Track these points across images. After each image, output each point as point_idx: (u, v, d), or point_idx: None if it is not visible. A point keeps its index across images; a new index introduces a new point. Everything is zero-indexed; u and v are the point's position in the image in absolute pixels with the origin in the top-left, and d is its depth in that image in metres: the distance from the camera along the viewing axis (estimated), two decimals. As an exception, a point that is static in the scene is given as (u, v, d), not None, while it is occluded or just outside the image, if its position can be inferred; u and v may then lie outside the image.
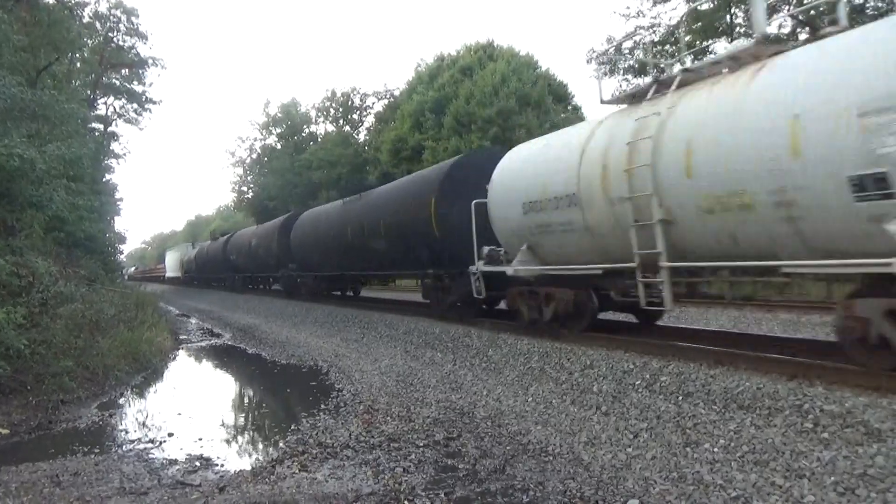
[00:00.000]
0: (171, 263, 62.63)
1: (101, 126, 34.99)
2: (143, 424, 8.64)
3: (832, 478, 4.24)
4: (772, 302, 12.77)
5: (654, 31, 27.01)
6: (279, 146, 57.99)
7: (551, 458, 6.05)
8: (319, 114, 57.78)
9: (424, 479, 5.72)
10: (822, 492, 4.19)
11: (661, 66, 9.80)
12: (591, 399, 6.85)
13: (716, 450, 5.08)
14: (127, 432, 8.23)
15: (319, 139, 55.21)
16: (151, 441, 7.69)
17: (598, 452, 5.86)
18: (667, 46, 27.52)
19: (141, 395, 11.06)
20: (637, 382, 6.64)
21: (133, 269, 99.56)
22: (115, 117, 37.88)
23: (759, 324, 11.11)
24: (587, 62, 28.72)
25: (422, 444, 6.76)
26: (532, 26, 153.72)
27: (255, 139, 60.49)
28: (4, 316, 8.79)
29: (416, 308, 15.05)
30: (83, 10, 27.04)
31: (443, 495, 5.30)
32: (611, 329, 8.96)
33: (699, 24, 25.88)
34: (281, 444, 7.34)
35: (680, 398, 6.00)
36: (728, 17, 25.34)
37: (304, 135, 57.48)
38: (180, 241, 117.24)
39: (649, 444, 5.59)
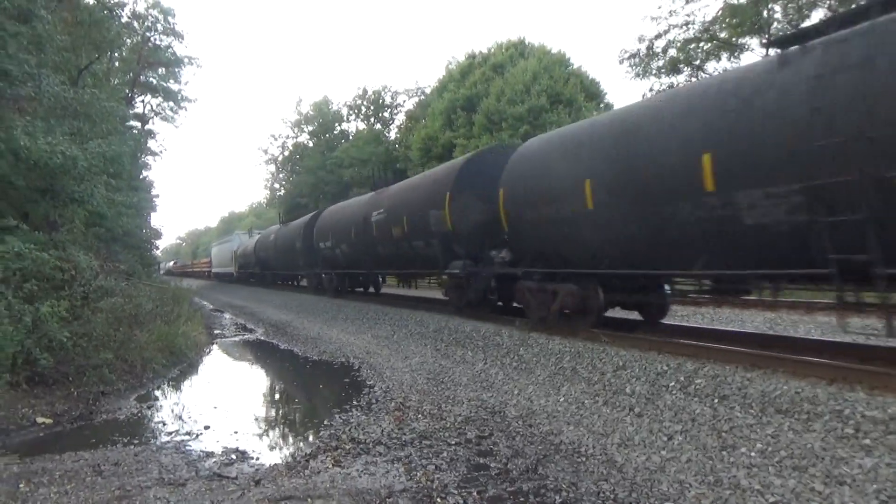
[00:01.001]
0: (220, 257, 53.21)
1: (138, 124, 35.71)
2: (180, 417, 8.82)
3: (874, 485, 4.16)
4: (810, 303, 12.50)
5: (687, 29, 26.67)
6: (311, 144, 58.69)
7: (584, 458, 6.02)
8: (351, 112, 58.37)
9: (456, 477, 5.75)
10: (864, 499, 4.11)
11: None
12: (624, 400, 6.80)
13: (753, 454, 5.00)
14: (165, 424, 8.41)
15: (350, 137, 55.63)
16: (188, 433, 7.85)
17: (631, 454, 5.82)
18: (701, 44, 27.14)
19: (177, 387, 11.29)
20: (671, 384, 6.58)
21: (171, 263, 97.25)
22: (152, 115, 38.66)
23: (795, 326, 10.89)
24: (619, 62, 28.44)
25: (453, 443, 6.79)
26: (564, 23, 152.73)
27: (288, 137, 61.45)
28: (49, 309, 9.05)
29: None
30: (122, 9, 27.59)
31: (475, 494, 5.32)
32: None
33: (735, 19, 25.45)
34: (314, 439, 7.42)
35: (715, 401, 5.93)
36: (765, 12, 24.87)
37: (335, 133, 58.04)
38: (214, 237, 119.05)
39: (684, 447, 5.53)
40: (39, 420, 8.25)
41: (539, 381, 8.32)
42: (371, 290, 23.03)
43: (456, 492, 5.36)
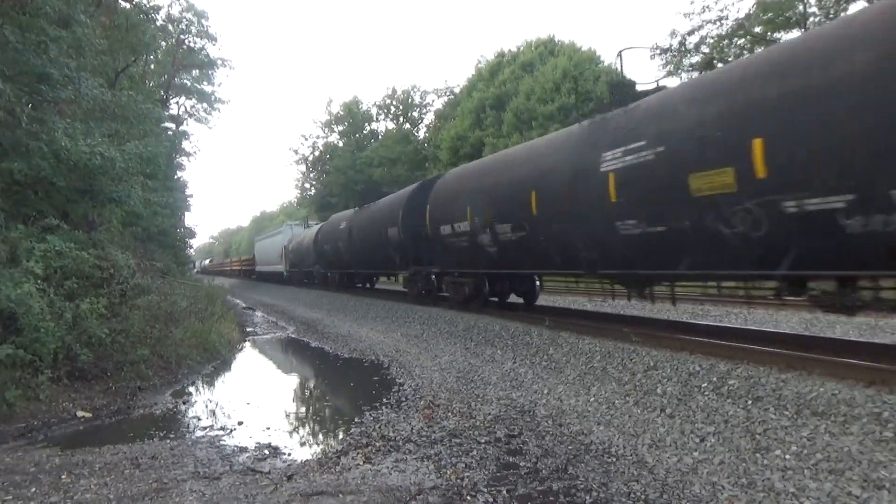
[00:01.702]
0: (266, 253, 45.44)
1: (173, 125, 36.39)
2: (214, 412, 9.00)
3: (914, 490, 4.06)
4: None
5: (720, 25, 26.23)
6: (341, 144, 59.15)
7: (614, 459, 5.99)
8: (380, 111, 58.69)
9: (486, 475, 5.76)
10: (904, 504, 4.02)
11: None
12: (655, 401, 6.74)
13: (787, 457, 4.93)
14: (199, 419, 8.59)
15: (380, 137, 55.96)
16: (222, 428, 8.01)
17: (662, 455, 5.77)
18: (735, 39, 26.67)
19: (211, 384, 11.51)
20: (703, 385, 6.50)
21: (208, 261, 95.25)
22: (186, 116, 39.40)
23: (832, 327, 10.68)
24: (651, 58, 28.10)
25: (483, 441, 6.80)
26: (594, 20, 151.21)
27: (318, 137, 61.98)
28: (88, 306, 9.31)
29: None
30: (157, 13, 28.14)
31: (505, 492, 5.33)
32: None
33: (769, 14, 24.94)
34: (345, 436, 7.50)
35: (749, 402, 5.84)
36: (801, 6, 24.31)
37: (365, 132, 58.42)
38: (246, 236, 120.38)
39: (717, 449, 5.47)
40: (80, 414, 8.50)
41: (569, 380, 8.28)
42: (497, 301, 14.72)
43: (485, 490, 5.38)
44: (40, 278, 9.03)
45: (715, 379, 6.49)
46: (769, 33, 25.64)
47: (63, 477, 5.97)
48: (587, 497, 5.20)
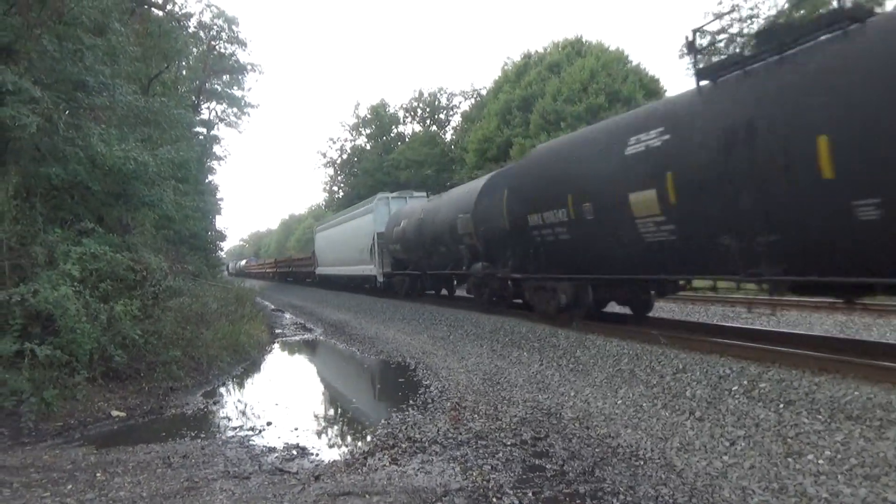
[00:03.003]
0: (338, 248, 30.12)
1: (204, 130, 36.93)
2: (244, 413, 9.12)
3: (953, 497, 3.95)
4: (885, 306, 11.92)
5: (751, 23, 25.79)
6: (368, 147, 59.48)
7: (642, 462, 5.93)
8: (407, 114, 58.90)
9: (512, 477, 5.75)
10: (942, 512, 3.91)
11: None
12: (684, 404, 6.66)
13: (820, 462, 4.83)
14: (229, 419, 8.71)
15: (407, 139, 56.16)
16: (252, 429, 8.12)
17: (691, 459, 5.69)
18: (767, 37, 26.20)
19: (241, 384, 11.67)
20: (734, 388, 6.41)
21: (244, 262, 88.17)
22: (217, 121, 39.87)
23: (868, 329, 10.43)
24: (679, 57, 27.79)
25: (509, 443, 6.78)
26: (621, 20, 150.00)
27: (346, 140, 62.39)
28: (122, 308, 9.51)
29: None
30: (189, 20, 28.61)
31: (531, 494, 5.31)
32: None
33: (802, 11, 24.45)
34: (371, 437, 7.54)
35: (781, 406, 5.74)
36: (836, 1, 23.78)
37: (392, 135, 58.65)
38: (274, 240, 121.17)
39: (747, 453, 5.38)
40: (114, 413, 8.70)
41: (596, 383, 8.23)
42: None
43: (511, 492, 5.36)
44: (76, 280, 9.24)
45: (746, 382, 6.39)
46: (802, 31, 25.16)
47: (98, 475, 6.11)
48: (614, 500, 5.16)
